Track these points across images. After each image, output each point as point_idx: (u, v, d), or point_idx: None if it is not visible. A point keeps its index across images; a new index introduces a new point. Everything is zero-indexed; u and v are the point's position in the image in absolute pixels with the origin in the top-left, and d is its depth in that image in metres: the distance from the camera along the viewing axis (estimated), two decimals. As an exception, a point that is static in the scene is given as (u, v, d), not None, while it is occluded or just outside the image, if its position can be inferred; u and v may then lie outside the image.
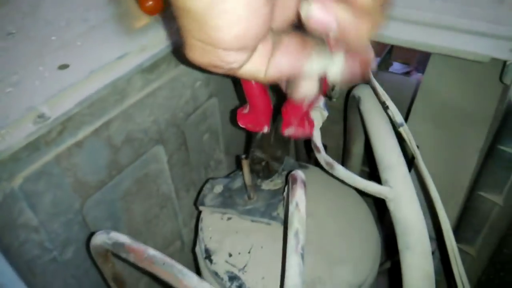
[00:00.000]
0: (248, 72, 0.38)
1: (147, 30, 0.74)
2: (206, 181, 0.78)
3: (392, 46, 1.40)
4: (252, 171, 0.66)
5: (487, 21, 0.69)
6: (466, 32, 0.68)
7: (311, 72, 0.37)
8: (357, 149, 0.89)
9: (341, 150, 1.15)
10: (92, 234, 0.58)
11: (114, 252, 0.52)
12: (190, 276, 0.45)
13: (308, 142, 1.18)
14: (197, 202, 0.75)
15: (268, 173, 0.69)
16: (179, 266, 0.47)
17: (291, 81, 0.41)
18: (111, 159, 0.71)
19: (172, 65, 0.75)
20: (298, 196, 0.54)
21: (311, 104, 0.59)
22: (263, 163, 0.66)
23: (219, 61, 0.34)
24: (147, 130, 0.76)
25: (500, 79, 0.63)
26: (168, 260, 0.47)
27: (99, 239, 0.53)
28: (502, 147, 0.62)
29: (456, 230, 0.77)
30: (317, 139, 0.59)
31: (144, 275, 0.91)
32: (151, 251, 0.49)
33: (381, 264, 0.96)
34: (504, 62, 0.62)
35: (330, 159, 0.57)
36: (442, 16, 0.71)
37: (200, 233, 0.72)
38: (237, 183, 0.74)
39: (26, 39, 0.72)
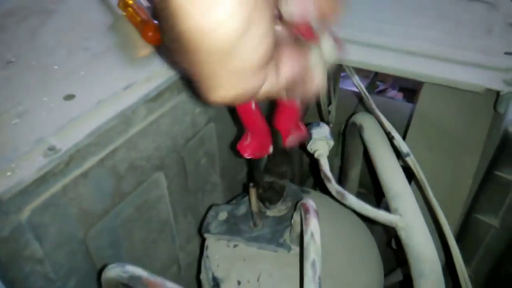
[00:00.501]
0: (266, 91, 0.39)
1: (150, 60, 0.74)
2: (210, 208, 0.78)
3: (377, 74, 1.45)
4: (260, 198, 0.67)
5: (479, 52, 0.73)
6: (460, 63, 0.71)
7: (315, 62, 0.40)
8: (355, 173, 0.92)
9: (335, 170, 1.18)
10: (104, 266, 0.57)
11: (130, 285, 0.51)
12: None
13: (301, 165, 1.20)
14: (202, 229, 0.75)
15: (276, 197, 0.69)
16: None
17: (300, 82, 0.43)
18: (114, 187, 0.70)
19: (174, 93, 0.76)
20: (313, 226, 0.55)
21: (303, 106, 0.60)
22: (272, 188, 0.67)
23: (247, 86, 0.35)
24: (150, 157, 0.76)
25: (494, 108, 0.67)
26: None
27: (113, 272, 0.53)
28: (498, 173, 0.65)
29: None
30: (326, 168, 0.61)
31: None
32: (169, 284, 0.49)
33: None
34: (498, 92, 0.66)
35: (340, 189, 0.58)
36: (436, 47, 0.75)
37: (206, 260, 0.72)
38: (242, 210, 0.75)
39: (27, 68, 0.71)
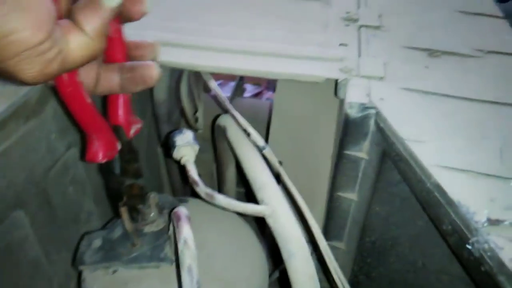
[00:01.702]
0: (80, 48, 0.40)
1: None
2: (81, 238, 0.73)
3: (242, 82, 1.51)
4: (129, 211, 0.65)
5: (318, 45, 0.81)
6: (302, 58, 0.78)
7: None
8: (230, 173, 0.94)
9: (214, 176, 1.19)
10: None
11: None
12: None
13: (182, 174, 1.19)
14: (75, 262, 0.70)
15: (139, 201, 0.66)
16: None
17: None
18: (-38, 236, 0.62)
19: (21, 122, 0.70)
20: (185, 233, 0.55)
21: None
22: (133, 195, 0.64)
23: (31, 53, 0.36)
24: (3, 195, 0.68)
25: (335, 94, 0.74)
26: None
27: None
28: (347, 152, 0.72)
29: (325, 230, 0.86)
30: (193, 173, 0.62)
31: None
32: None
33: (270, 275, 1.02)
34: (336, 80, 0.73)
35: (209, 190, 0.59)
36: (280, 45, 0.80)
37: (83, 295, 0.67)
38: (117, 232, 0.71)
39: None
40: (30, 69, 0.36)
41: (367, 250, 0.80)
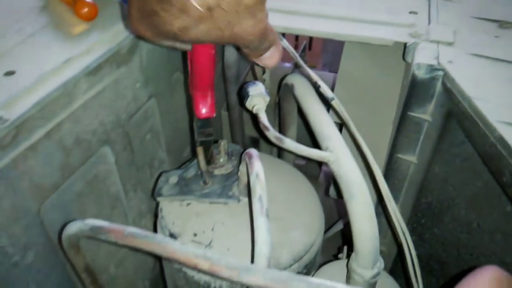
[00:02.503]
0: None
1: (86, 35, 0.76)
2: (159, 175, 0.82)
3: (304, 50, 1.55)
4: (207, 154, 0.72)
5: (388, 12, 0.83)
6: (372, 23, 0.81)
7: None
8: (292, 133, 0.99)
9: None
10: (64, 225, 0.60)
11: (92, 237, 0.54)
12: (172, 243, 0.50)
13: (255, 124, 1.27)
14: (154, 194, 0.78)
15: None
16: (159, 236, 0.51)
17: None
18: (63, 161, 0.72)
19: (113, 67, 0.79)
20: (257, 167, 0.61)
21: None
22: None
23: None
24: (95, 131, 0.78)
25: (403, 58, 0.77)
26: (148, 232, 0.52)
27: (74, 227, 0.55)
28: (411, 113, 0.75)
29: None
30: (264, 120, 0.67)
31: (110, 264, 0.92)
32: (130, 228, 0.53)
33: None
34: (405, 44, 0.76)
35: (278, 134, 0.65)
36: (351, 10, 0.84)
37: (161, 221, 0.76)
38: (191, 172, 0.79)
39: (-41, 51, 0.70)
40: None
41: (422, 211, 0.83)
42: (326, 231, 1.26)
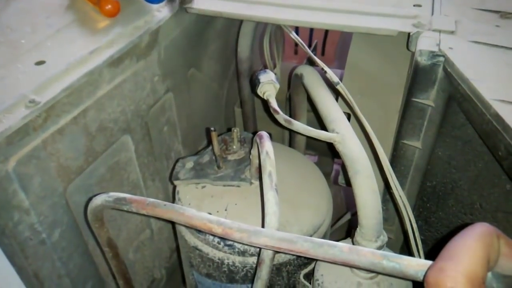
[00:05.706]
0: None
1: (109, 30, 0.82)
2: (176, 161, 0.87)
3: (316, 46, 1.60)
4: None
5: (392, 5, 0.87)
6: (377, 15, 0.85)
7: None
8: (302, 122, 1.04)
9: (283, 135, 1.31)
10: (89, 199, 0.65)
11: (116, 207, 0.59)
12: (189, 210, 0.54)
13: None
14: (172, 178, 0.83)
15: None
16: (177, 206, 0.56)
17: None
18: (87, 146, 0.78)
19: (134, 60, 0.84)
20: (267, 146, 0.65)
21: None
22: None
23: None
24: (117, 120, 0.84)
25: (407, 47, 0.81)
26: (166, 202, 0.56)
27: (99, 199, 0.60)
28: (414, 99, 0.79)
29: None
30: (274, 104, 0.72)
31: (129, 250, 0.97)
32: (150, 199, 0.58)
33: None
34: (408, 34, 0.80)
35: (287, 117, 0.69)
36: (357, 4, 0.88)
37: (178, 203, 0.81)
38: (206, 158, 0.84)
39: (-5, 44, 0.77)
40: None
41: (427, 195, 0.86)
42: (335, 223, 1.29)
